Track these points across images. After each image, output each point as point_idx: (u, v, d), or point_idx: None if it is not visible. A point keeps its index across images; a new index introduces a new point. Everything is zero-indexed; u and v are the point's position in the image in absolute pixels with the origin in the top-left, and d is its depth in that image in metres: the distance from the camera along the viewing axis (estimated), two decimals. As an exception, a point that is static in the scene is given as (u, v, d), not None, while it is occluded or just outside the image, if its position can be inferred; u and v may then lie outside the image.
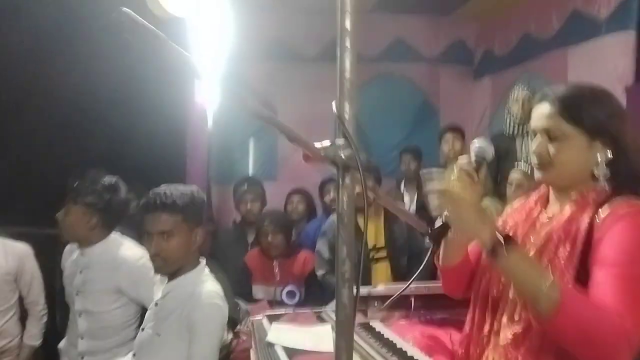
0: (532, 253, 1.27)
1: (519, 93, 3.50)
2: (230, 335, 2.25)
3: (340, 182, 0.96)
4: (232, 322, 2.32)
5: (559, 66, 3.76)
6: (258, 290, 2.89)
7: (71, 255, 2.33)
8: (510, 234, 1.19)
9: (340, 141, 0.96)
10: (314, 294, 2.79)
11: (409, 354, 1.28)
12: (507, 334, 1.25)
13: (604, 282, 1.11)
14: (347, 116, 0.97)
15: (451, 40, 4.92)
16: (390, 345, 1.35)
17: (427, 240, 1.40)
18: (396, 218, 2.74)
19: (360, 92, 4.39)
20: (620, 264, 1.11)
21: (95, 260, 2.20)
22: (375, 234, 2.74)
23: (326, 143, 0.97)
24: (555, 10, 3.89)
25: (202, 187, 3.84)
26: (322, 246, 2.93)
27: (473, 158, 1.35)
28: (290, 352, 1.32)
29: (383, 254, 2.74)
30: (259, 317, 1.72)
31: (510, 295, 1.29)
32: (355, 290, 0.96)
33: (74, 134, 3.56)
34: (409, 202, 3.91)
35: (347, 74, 0.98)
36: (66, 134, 3.57)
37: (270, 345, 1.39)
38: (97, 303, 2.17)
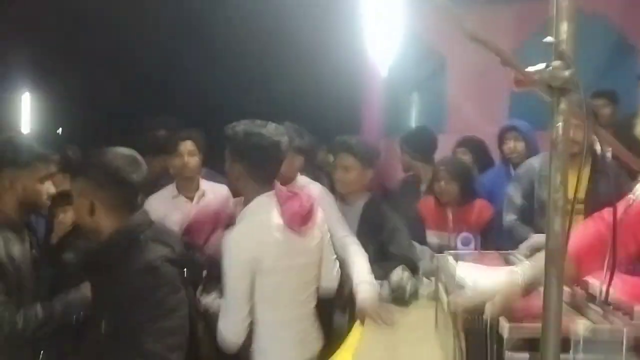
0: None
1: None
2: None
3: (556, 107, 0.92)
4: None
5: None
6: (432, 237, 2.92)
7: None
8: None
9: (556, 63, 0.92)
10: (490, 243, 2.72)
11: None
12: None
13: None
14: (564, 36, 0.92)
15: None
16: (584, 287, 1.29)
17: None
18: (605, 173, 2.43)
19: (541, 32, 4.02)
20: None
21: None
22: (576, 184, 2.47)
23: (540, 66, 0.93)
24: None
25: (377, 138, 3.96)
26: (514, 191, 2.84)
27: None
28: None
29: (580, 207, 2.44)
30: (443, 254, 1.75)
31: None
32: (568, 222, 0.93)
33: (254, 85, 3.90)
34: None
35: (566, -9, 0.92)
36: (247, 87, 3.93)
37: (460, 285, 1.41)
38: None
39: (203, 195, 2.94)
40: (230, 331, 1.84)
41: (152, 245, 1.61)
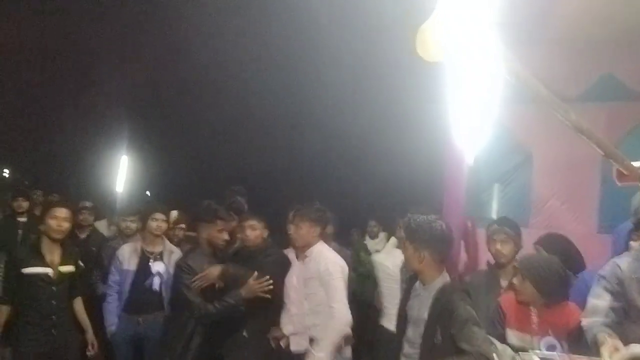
0: None
1: None
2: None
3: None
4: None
5: None
6: (512, 337, 2.70)
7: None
8: None
9: (665, 160, 0.90)
10: (578, 352, 2.47)
11: None
12: None
13: None
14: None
15: None
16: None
17: None
18: None
19: (634, 132, 3.86)
20: None
21: None
22: None
23: (646, 162, 0.92)
24: None
25: (457, 225, 3.87)
26: (595, 292, 2.62)
27: None
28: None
29: None
30: (528, 353, 1.64)
31: None
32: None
33: (340, 167, 4.06)
34: None
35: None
36: (333, 166, 4.10)
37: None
38: None
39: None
40: None
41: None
